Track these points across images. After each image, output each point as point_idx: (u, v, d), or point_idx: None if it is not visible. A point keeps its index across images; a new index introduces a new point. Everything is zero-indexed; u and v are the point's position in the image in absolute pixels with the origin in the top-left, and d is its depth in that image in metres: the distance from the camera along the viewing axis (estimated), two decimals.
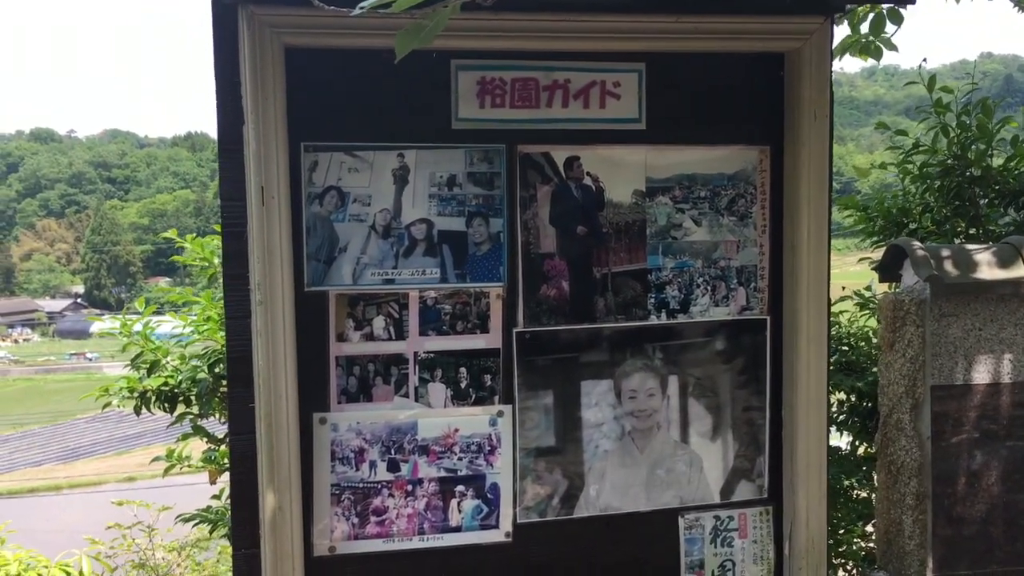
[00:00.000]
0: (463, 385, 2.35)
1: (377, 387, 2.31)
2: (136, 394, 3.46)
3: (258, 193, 2.12)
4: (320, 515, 2.30)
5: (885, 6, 3.77)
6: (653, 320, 2.45)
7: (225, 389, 3.19)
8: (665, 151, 2.42)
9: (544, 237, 2.37)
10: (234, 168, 2.15)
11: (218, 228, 3.12)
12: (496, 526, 2.39)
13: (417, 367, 2.33)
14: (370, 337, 2.30)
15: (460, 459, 2.36)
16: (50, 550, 4.34)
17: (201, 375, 3.36)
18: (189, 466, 3.63)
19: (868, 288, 3.96)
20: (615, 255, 2.42)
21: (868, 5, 3.77)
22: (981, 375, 2.56)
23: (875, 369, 3.47)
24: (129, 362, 3.57)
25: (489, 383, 2.36)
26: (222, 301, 2.55)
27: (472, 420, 2.37)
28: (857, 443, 3.70)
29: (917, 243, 2.63)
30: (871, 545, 3.44)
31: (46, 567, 4.00)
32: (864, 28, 3.97)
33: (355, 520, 2.32)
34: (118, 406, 3.58)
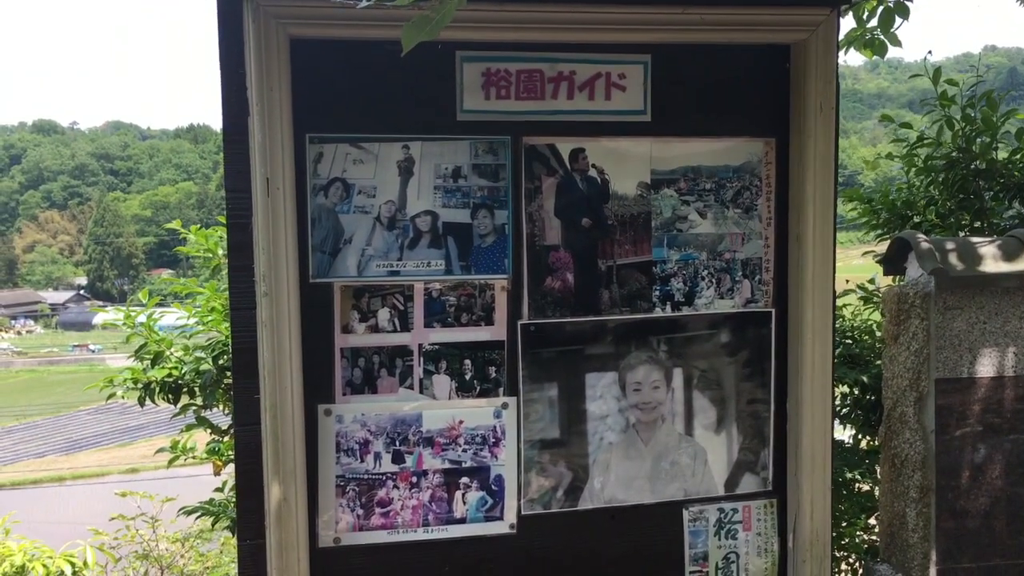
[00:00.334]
0: (468, 377, 2.35)
1: (382, 379, 2.32)
2: (140, 385, 3.47)
3: (263, 184, 2.12)
4: (325, 506, 2.30)
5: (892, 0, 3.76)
6: (658, 312, 2.45)
7: (229, 380, 3.21)
8: (670, 143, 2.42)
9: (549, 229, 2.37)
10: (239, 159, 2.14)
11: (221, 220, 3.13)
12: (500, 518, 2.39)
13: (422, 359, 2.33)
14: (375, 329, 2.30)
15: (465, 451, 2.36)
16: (54, 541, 4.36)
17: (205, 366, 3.36)
18: (194, 457, 3.64)
19: (871, 281, 3.95)
20: (620, 247, 2.41)
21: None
22: (985, 368, 2.56)
23: (878, 362, 3.47)
24: (133, 353, 3.58)
25: (494, 375, 2.36)
26: (226, 292, 2.55)
27: (477, 412, 2.37)
28: (860, 436, 3.70)
29: (922, 236, 2.63)
30: (874, 538, 3.45)
31: (51, 557, 4.02)
32: (870, 21, 3.95)
33: (360, 511, 2.32)
34: (122, 397, 3.58)
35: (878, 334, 3.70)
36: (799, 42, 2.39)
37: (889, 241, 2.83)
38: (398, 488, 2.34)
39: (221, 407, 3.52)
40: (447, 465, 2.36)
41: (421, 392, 2.34)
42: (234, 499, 2.69)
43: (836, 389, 3.24)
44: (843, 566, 3.62)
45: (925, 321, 2.53)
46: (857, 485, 3.62)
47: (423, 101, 2.28)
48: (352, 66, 2.24)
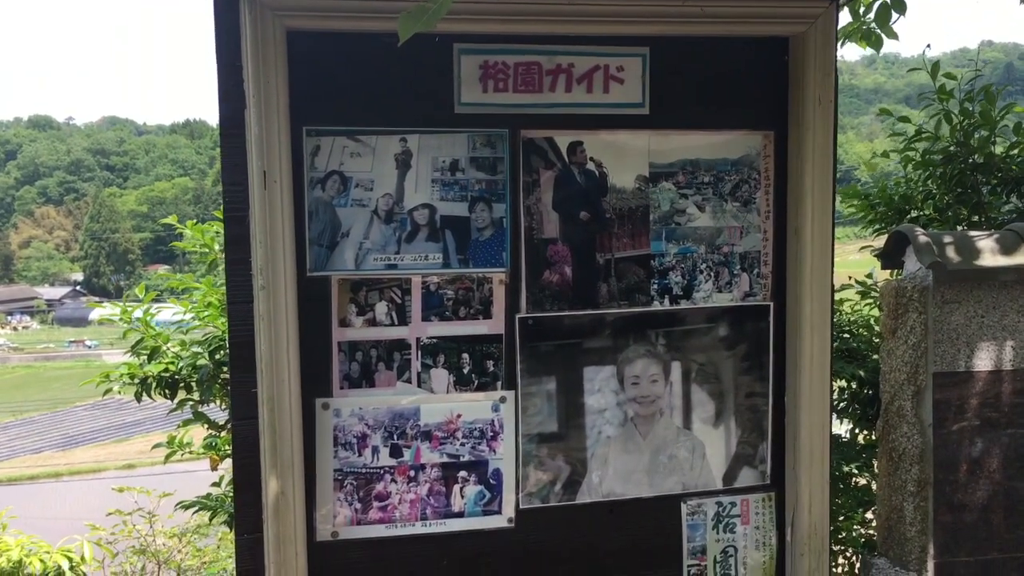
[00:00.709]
0: (466, 371, 2.35)
1: (379, 372, 2.31)
2: (137, 380, 3.47)
3: (260, 177, 2.11)
4: (323, 500, 2.30)
5: None
6: (656, 306, 2.44)
7: (226, 375, 3.20)
8: (669, 136, 2.41)
9: (547, 222, 2.36)
10: (236, 152, 2.13)
11: (218, 215, 3.12)
12: (499, 512, 2.39)
13: (420, 352, 2.33)
14: (372, 322, 2.30)
15: (463, 445, 2.36)
16: (51, 536, 4.36)
17: (202, 361, 3.35)
18: (190, 452, 3.63)
19: (869, 276, 3.95)
20: (618, 241, 2.41)
21: None
22: (983, 362, 2.55)
23: (876, 356, 3.47)
24: (129, 349, 3.57)
25: (492, 369, 2.36)
26: (223, 287, 2.54)
27: (475, 406, 2.36)
28: (858, 430, 3.70)
29: (920, 230, 2.62)
30: (871, 532, 3.45)
31: (48, 552, 4.02)
32: (867, 15, 3.94)
33: (358, 505, 2.32)
34: (119, 392, 3.58)
35: (875, 328, 3.70)
36: (798, 35, 2.38)
37: (887, 236, 2.83)
38: (396, 482, 2.33)
39: (218, 402, 3.52)
40: (445, 459, 2.36)
41: (419, 386, 2.33)
42: (231, 493, 2.69)
43: (833, 383, 3.24)
44: (840, 560, 3.63)
45: (923, 315, 2.53)
46: (855, 479, 3.62)
47: (421, 94, 2.27)
48: (349, 58, 2.23)
